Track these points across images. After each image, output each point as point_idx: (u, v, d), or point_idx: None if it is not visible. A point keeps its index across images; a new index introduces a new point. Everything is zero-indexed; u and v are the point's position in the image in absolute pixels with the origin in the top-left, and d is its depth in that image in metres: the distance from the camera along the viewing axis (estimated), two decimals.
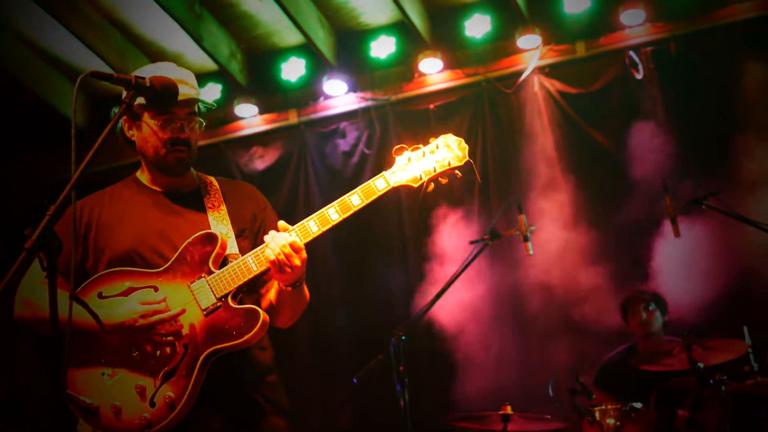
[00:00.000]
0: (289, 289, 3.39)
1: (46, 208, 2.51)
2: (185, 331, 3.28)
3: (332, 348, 7.99)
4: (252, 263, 3.33)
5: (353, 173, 8.18)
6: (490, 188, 7.71)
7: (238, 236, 3.52)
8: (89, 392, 3.30)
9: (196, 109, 3.50)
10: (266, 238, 3.31)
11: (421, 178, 3.38)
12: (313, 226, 3.34)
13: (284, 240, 3.26)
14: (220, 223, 3.50)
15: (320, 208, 3.36)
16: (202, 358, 3.23)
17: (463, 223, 7.52)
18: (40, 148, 8.66)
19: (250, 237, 3.56)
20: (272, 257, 3.25)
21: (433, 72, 8.05)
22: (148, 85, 2.94)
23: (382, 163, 7.55)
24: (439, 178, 3.40)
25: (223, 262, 3.40)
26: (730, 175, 6.59)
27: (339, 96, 8.31)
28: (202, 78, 8.39)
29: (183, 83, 3.32)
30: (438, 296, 6.13)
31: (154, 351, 3.27)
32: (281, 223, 3.35)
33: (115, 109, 3.09)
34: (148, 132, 3.43)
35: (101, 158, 3.03)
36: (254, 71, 8.44)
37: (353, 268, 8.14)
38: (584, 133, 7.54)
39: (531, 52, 7.78)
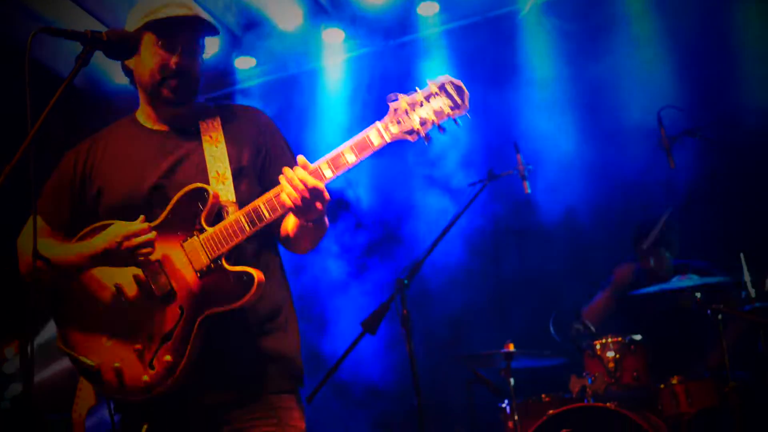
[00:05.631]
0: (311, 224, 3.23)
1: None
2: (180, 292, 3.16)
3: None
4: (263, 209, 3.11)
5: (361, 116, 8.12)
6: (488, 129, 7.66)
7: (235, 177, 3.32)
8: (90, 354, 3.27)
9: (197, 32, 3.38)
10: (282, 180, 3.07)
11: (418, 131, 3.06)
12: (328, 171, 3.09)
13: (303, 183, 3.01)
14: (217, 161, 3.31)
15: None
16: (198, 321, 3.12)
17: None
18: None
19: (251, 174, 3.37)
20: (289, 203, 3.04)
21: (430, 14, 7.97)
22: (105, 39, 2.84)
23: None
24: (438, 128, 3.08)
25: (219, 211, 3.24)
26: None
27: (337, 43, 8.26)
28: None
29: (175, 5, 3.32)
30: (438, 240, 6.13)
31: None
32: (300, 158, 3.09)
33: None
34: (147, 57, 3.33)
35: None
36: (251, 23, 8.27)
37: None
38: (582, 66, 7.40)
39: None
